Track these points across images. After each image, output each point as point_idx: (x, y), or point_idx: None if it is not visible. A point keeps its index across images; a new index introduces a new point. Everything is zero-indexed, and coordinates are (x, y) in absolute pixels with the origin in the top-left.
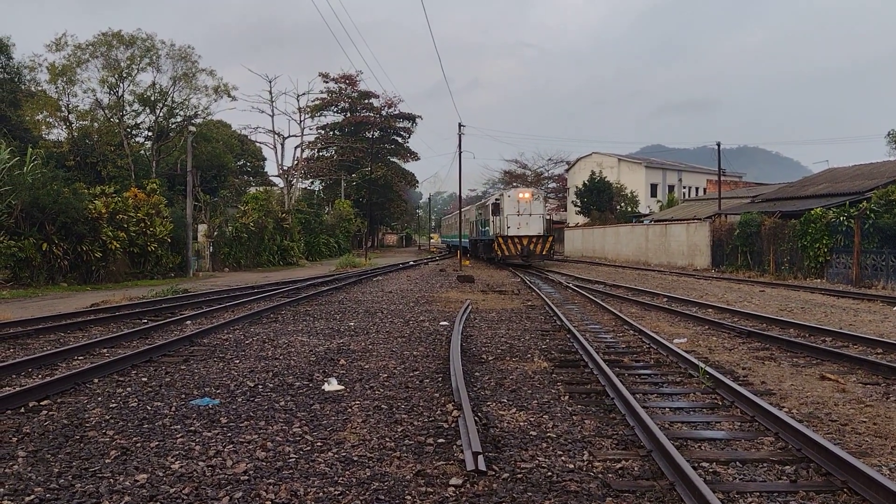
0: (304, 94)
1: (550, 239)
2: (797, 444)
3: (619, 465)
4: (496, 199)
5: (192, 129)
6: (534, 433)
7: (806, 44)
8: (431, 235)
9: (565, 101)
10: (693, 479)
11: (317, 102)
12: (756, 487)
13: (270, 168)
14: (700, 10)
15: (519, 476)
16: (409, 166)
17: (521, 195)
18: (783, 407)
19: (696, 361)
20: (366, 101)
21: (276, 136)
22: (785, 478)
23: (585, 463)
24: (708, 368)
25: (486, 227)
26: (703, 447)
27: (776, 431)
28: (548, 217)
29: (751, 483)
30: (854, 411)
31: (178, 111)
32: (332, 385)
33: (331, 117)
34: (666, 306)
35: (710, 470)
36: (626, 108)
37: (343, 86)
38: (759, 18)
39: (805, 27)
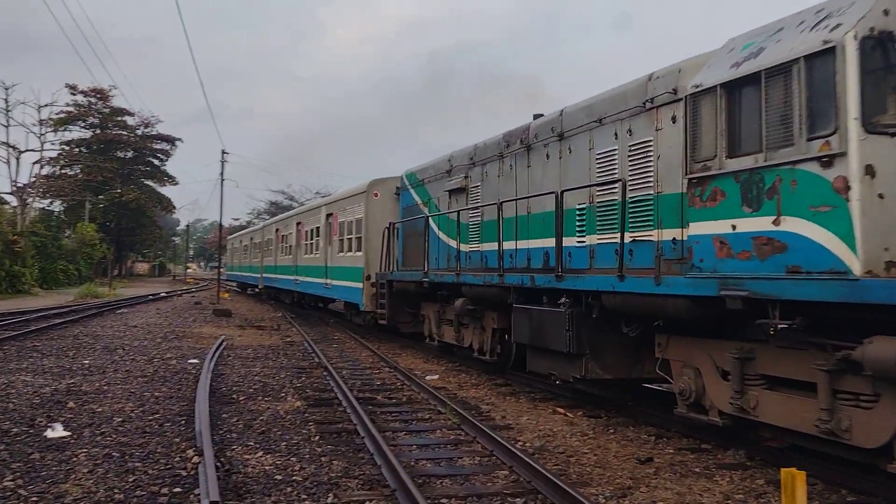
0: (46, 105)
1: None
2: (528, 477)
3: None
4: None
5: None
6: (279, 477)
7: None
8: (188, 265)
9: (342, 135)
10: None
11: (62, 115)
12: None
13: (2, 184)
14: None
15: None
16: (167, 191)
17: None
18: (519, 441)
19: (444, 399)
20: (119, 118)
21: (10, 149)
22: None
23: None
24: (454, 405)
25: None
26: (444, 483)
27: (510, 465)
28: None
29: None
30: (579, 443)
31: None
32: (57, 431)
33: (77, 133)
34: (420, 345)
35: None
36: (401, 145)
37: (93, 99)
38: None
39: None
